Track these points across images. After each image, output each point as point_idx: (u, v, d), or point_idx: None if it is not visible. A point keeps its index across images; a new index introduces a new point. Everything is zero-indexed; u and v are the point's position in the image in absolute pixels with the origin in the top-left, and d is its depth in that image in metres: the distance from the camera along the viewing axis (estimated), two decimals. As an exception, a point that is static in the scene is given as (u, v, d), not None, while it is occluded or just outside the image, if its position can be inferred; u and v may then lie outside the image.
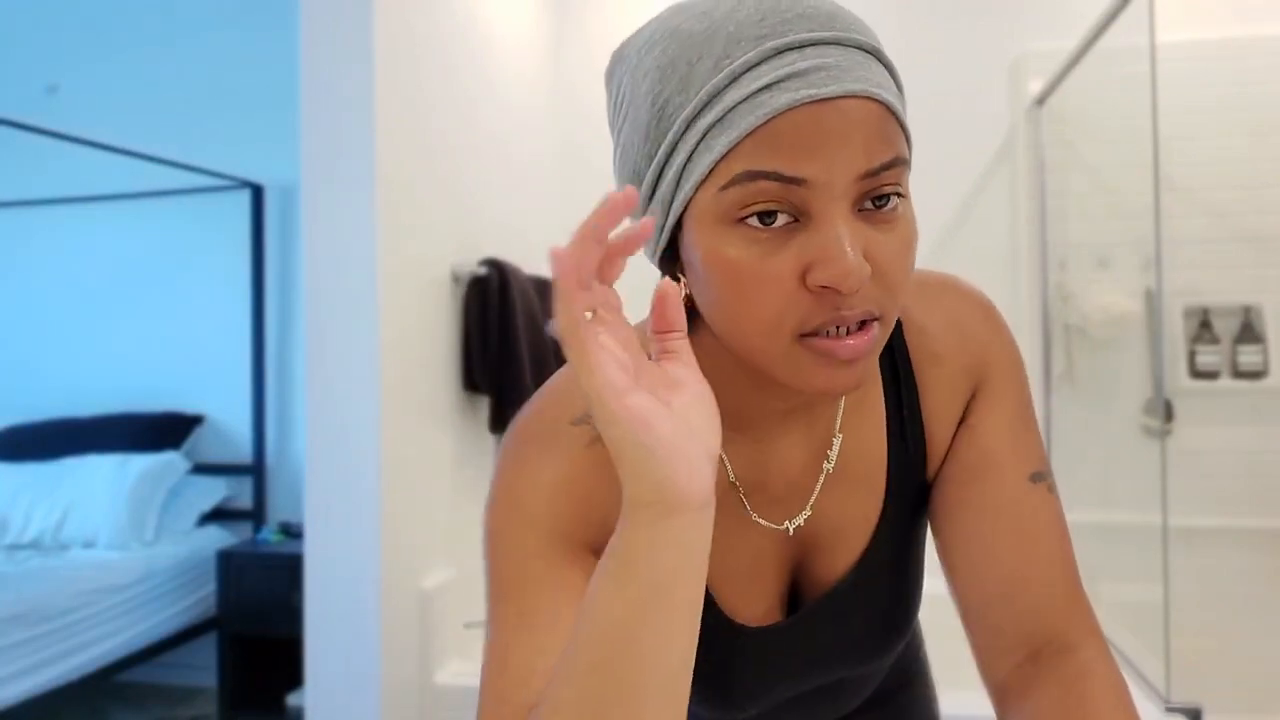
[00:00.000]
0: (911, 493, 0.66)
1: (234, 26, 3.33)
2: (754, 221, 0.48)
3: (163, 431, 3.23)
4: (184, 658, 3.18)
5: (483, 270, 2.11)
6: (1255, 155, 2.39)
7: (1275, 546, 2.37)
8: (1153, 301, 2.28)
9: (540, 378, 2.26)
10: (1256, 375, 2.38)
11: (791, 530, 0.64)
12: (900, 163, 0.48)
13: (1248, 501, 2.38)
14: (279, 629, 2.68)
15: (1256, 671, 2.30)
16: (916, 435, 0.65)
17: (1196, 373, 2.41)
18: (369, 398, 1.76)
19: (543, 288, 2.41)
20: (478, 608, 2.09)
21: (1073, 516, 2.24)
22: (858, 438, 0.64)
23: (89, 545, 2.93)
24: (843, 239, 0.46)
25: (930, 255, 2.60)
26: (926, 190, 2.60)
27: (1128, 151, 2.23)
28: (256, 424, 3.22)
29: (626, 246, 0.41)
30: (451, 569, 2.02)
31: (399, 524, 1.82)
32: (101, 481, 3.01)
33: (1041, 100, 2.50)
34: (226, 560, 2.79)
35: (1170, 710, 1.68)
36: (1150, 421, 2.35)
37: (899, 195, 0.49)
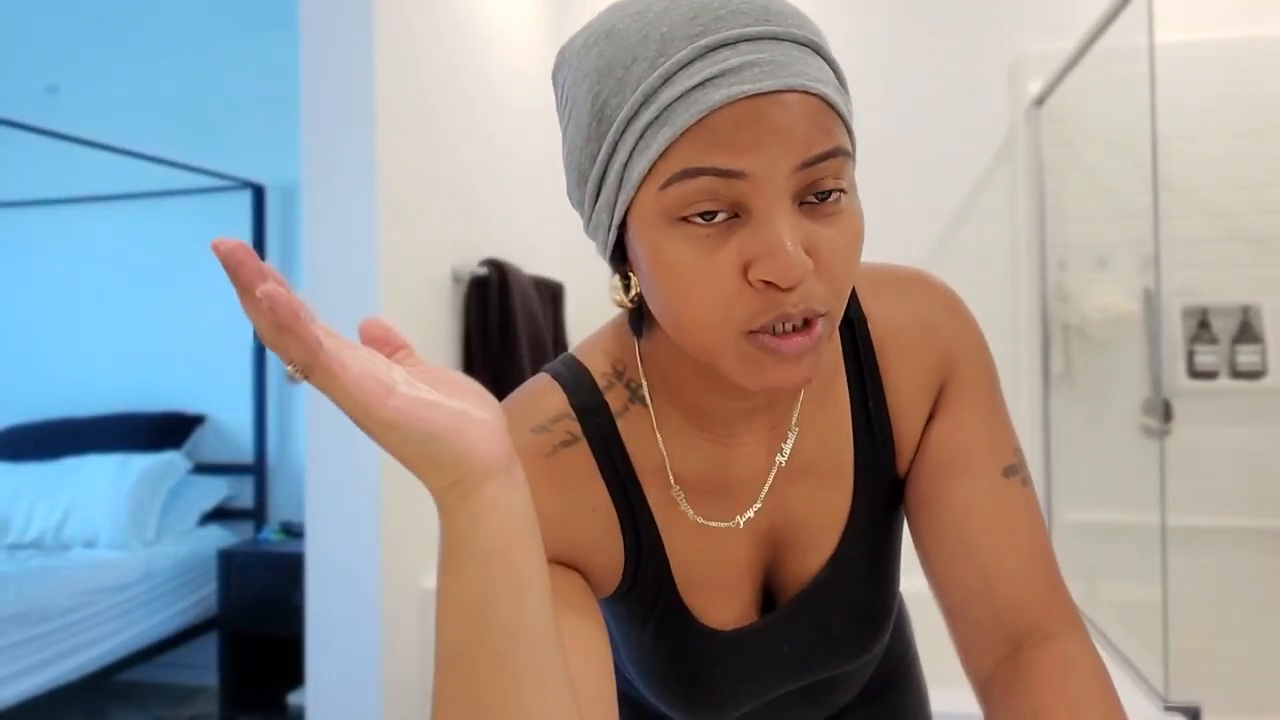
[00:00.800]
0: (882, 488, 0.66)
1: (234, 27, 3.34)
2: (695, 219, 0.48)
3: (164, 431, 3.24)
4: (185, 657, 3.18)
5: (483, 270, 2.11)
6: (1254, 155, 2.39)
7: (1274, 546, 2.38)
8: (1151, 301, 2.29)
9: (540, 378, 2.27)
10: (1255, 375, 2.38)
11: (741, 524, 0.63)
12: (840, 154, 0.48)
13: (1246, 501, 2.38)
14: (280, 629, 2.68)
15: (1255, 671, 2.31)
16: (884, 429, 0.64)
17: (1195, 373, 2.41)
18: (370, 398, 1.76)
19: (543, 288, 2.41)
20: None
21: (1071, 516, 2.24)
22: (822, 432, 0.64)
23: (90, 545, 2.94)
24: (783, 233, 0.46)
25: (930, 255, 2.60)
26: (926, 190, 2.61)
27: (1127, 152, 2.24)
28: (258, 423, 3.22)
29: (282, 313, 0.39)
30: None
31: (399, 524, 1.83)
32: (102, 481, 3.01)
33: (1041, 101, 2.50)
34: (227, 560, 2.80)
35: (1169, 710, 1.68)
36: (1149, 421, 2.35)
37: (842, 190, 0.49)
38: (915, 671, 0.86)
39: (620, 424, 0.62)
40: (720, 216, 0.48)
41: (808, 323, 0.49)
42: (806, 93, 0.47)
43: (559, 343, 2.49)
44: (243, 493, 3.30)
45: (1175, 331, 2.43)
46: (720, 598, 0.65)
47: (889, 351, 0.63)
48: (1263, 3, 2.43)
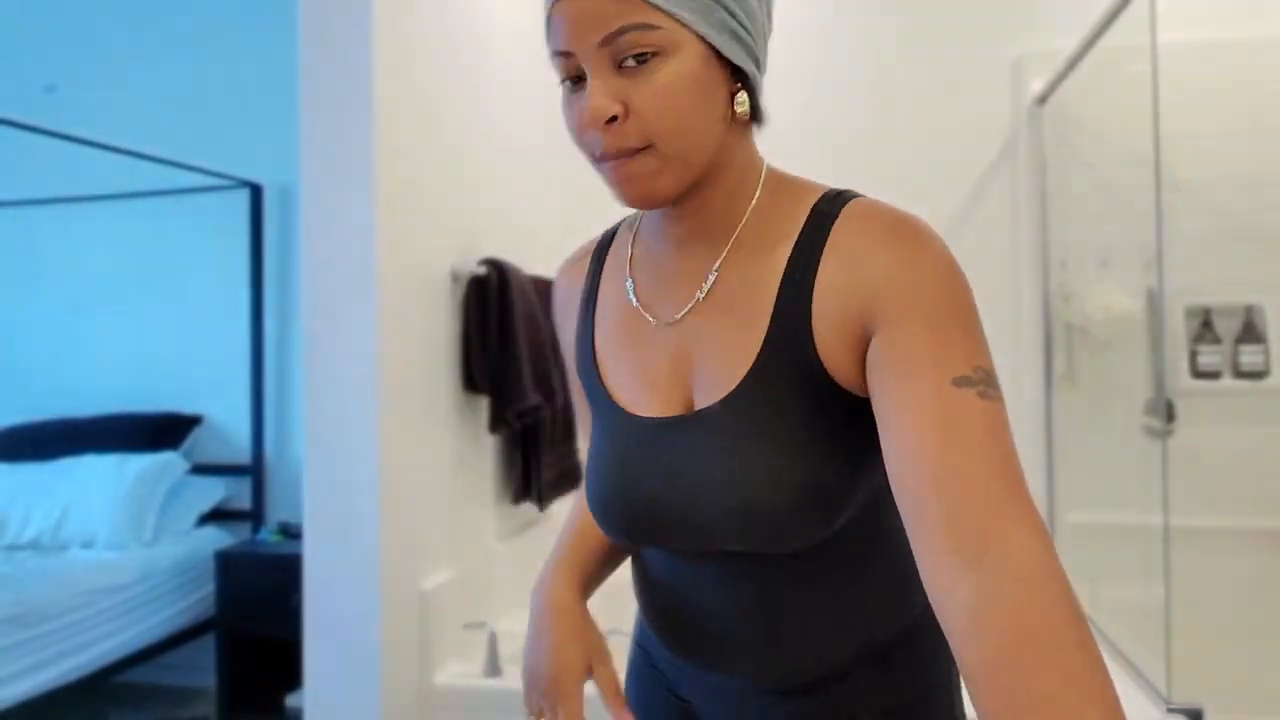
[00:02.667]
0: (791, 361, 0.68)
1: (233, 26, 3.33)
2: (565, 83, 0.68)
3: (161, 431, 3.23)
4: (183, 658, 3.17)
5: (482, 270, 2.10)
6: (1257, 155, 2.39)
7: (1277, 547, 2.37)
8: (1154, 301, 2.28)
9: (540, 378, 2.26)
10: (1258, 375, 2.37)
11: (654, 324, 0.75)
12: (637, 28, 0.62)
13: (1249, 502, 2.38)
14: (278, 630, 2.68)
15: (1258, 672, 2.30)
16: (802, 303, 0.68)
17: (1198, 373, 2.40)
18: (368, 398, 1.75)
19: (543, 288, 2.40)
20: (478, 608, 2.08)
21: (1074, 517, 2.23)
22: (749, 281, 0.71)
23: (87, 546, 2.93)
24: (590, 90, 0.64)
25: (931, 255, 2.59)
26: (928, 189, 2.61)
27: (1129, 151, 2.23)
28: (255, 424, 3.21)
29: None
30: (451, 569, 2.02)
31: (399, 524, 1.82)
32: (100, 482, 3.00)
33: (1043, 100, 2.50)
34: (225, 561, 2.79)
35: (1171, 711, 1.67)
36: (1151, 422, 2.34)
37: (653, 53, 0.63)
38: (932, 636, 0.78)
39: (614, 243, 0.84)
40: (575, 83, 0.67)
41: (636, 153, 0.65)
42: None
43: (558, 342, 2.48)
44: (240, 493, 3.29)
45: (1178, 331, 2.42)
46: (638, 390, 0.76)
47: (831, 260, 0.67)
48: (1263, 3, 2.42)
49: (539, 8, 2.63)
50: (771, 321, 0.69)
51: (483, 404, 2.18)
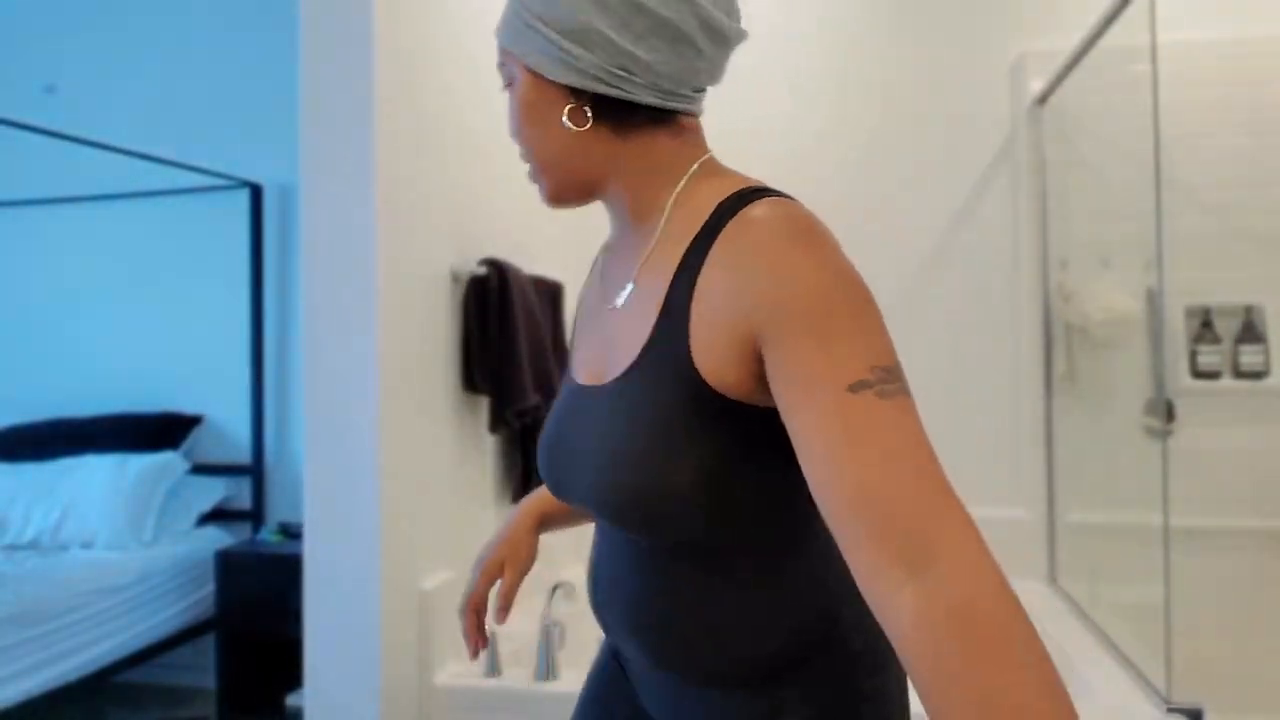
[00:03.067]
0: (668, 355, 0.70)
1: (233, 26, 3.33)
2: None
3: (161, 431, 3.23)
4: (183, 659, 3.17)
5: (482, 270, 2.10)
6: (1257, 154, 2.39)
7: (1277, 547, 2.37)
8: (1154, 301, 2.28)
9: (540, 378, 2.26)
10: (1258, 375, 2.37)
11: (607, 305, 0.81)
12: (500, 63, 0.78)
13: (1249, 502, 2.38)
14: (278, 630, 2.68)
15: (1258, 672, 2.30)
16: (684, 302, 0.70)
17: (1198, 373, 2.40)
18: (368, 398, 1.75)
19: (543, 288, 2.40)
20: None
21: (1074, 517, 2.23)
22: (657, 272, 0.74)
23: (87, 546, 2.93)
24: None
25: (931, 254, 2.59)
26: (928, 189, 2.61)
27: (1129, 151, 2.23)
28: (255, 424, 3.21)
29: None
30: (451, 569, 2.02)
31: (399, 524, 1.82)
32: (100, 482, 3.00)
33: (1042, 100, 2.50)
34: (225, 561, 2.79)
35: (1171, 711, 1.67)
36: (1151, 422, 2.34)
37: (510, 82, 0.77)
38: (843, 663, 0.76)
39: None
40: None
41: (529, 164, 0.79)
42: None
43: (558, 342, 2.48)
44: (240, 493, 3.29)
45: (1178, 331, 2.42)
46: (582, 361, 0.83)
47: (713, 264, 0.68)
48: (1263, 3, 2.42)
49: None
50: (659, 315, 0.71)
51: (483, 404, 2.18)
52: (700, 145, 0.78)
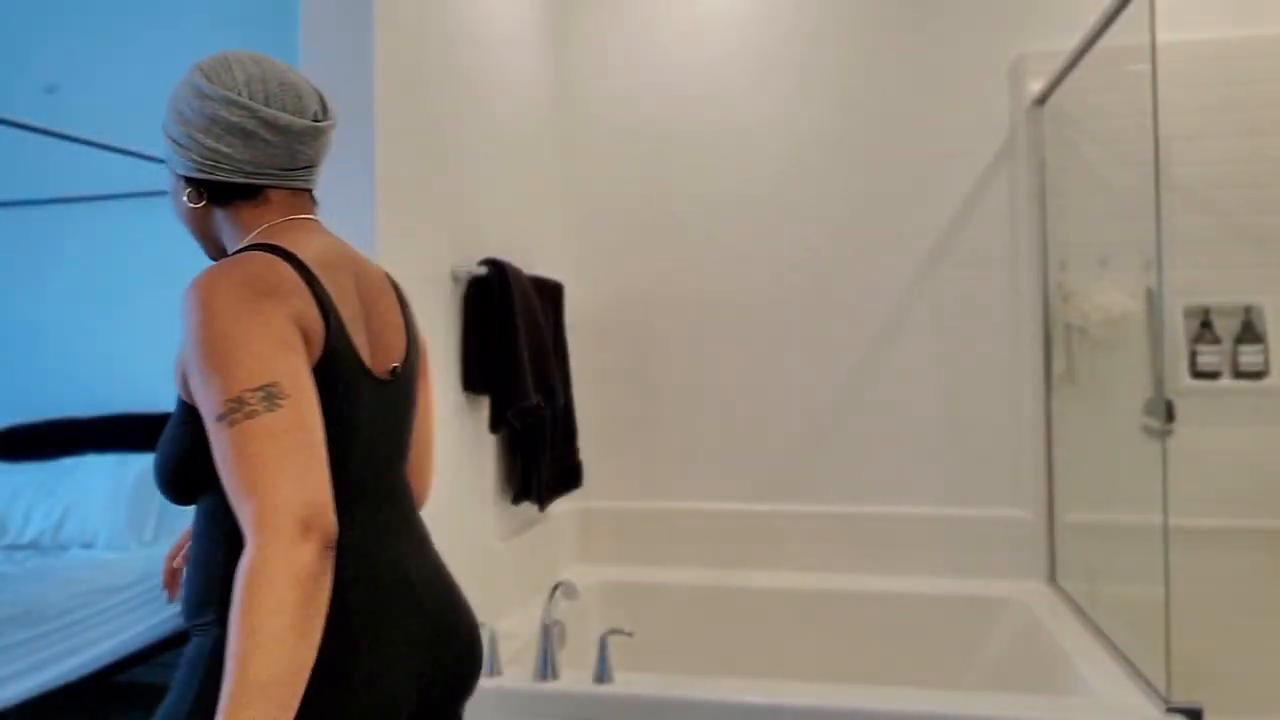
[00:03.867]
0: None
1: (234, 26, 3.33)
2: None
3: (162, 432, 3.23)
4: (183, 658, 3.17)
5: (483, 270, 2.10)
6: (1257, 154, 2.39)
7: (1276, 547, 2.37)
8: (1153, 301, 2.28)
9: (540, 377, 2.26)
10: (1257, 375, 2.37)
11: None
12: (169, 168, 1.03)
13: (1248, 502, 2.38)
14: (278, 629, 2.67)
15: (1257, 672, 2.30)
16: None
17: (1197, 373, 2.40)
18: (368, 398, 1.75)
19: (543, 288, 2.40)
20: (477, 608, 2.08)
21: (1073, 517, 2.23)
22: None
23: (88, 545, 2.93)
24: None
25: (931, 255, 2.59)
26: (927, 189, 2.61)
27: (1129, 151, 2.23)
28: (256, 424, 3.21)
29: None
30: (451, 569, 2.02)
31: (398, 524, 1.82)
32: (100, 482, 3.00)
33: (1042, 100, 2.50)
34: (226, 560, 2.78)
35: (1171, 711, 1.67)
36: (1151, 422, 2.34)
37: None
38: (212, 641, 0.92)
39: None
40: None
41: None
42: None
43: (559, 342, 2.48)
44: (241, 493, 3.29)
45: (1177, 331, 2.42)
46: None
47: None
48: (1263, 3, 2.42)
49: (540, 8, 2.64)
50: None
51: (483, 404, 2.18)
52: (284, 211, 1.01)
